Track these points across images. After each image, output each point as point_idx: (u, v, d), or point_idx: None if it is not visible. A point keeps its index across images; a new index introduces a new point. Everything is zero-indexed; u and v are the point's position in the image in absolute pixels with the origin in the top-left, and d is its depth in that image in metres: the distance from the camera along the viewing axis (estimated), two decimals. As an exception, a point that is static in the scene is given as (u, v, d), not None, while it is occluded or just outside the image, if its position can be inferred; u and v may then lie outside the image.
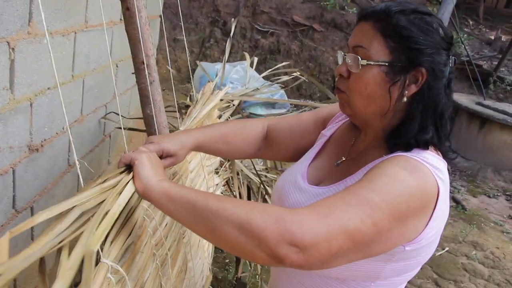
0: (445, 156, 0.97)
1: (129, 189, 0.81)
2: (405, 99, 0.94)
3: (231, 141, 1.23)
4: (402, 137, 0.95)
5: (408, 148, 0.93)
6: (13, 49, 1.28)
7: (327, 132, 1.20)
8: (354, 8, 8.39)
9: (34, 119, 1.48)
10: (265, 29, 7.93)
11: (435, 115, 0.95)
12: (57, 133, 1.69)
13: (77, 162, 0.75)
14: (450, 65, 0.96)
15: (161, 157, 1.04)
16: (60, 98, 0.88)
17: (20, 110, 1.39)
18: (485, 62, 7.96)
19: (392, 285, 0.99)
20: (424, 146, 0.93)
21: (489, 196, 5.07)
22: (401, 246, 0.89)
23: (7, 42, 1.24)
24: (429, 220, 0.88)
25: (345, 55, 0.98)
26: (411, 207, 0.84)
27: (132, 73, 1.09)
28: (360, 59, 0.94)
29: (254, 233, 0.73)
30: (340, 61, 1.02)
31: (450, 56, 0.96)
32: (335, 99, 2.54)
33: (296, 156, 1.27)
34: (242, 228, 0.74)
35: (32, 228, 1.57)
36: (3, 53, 1.23)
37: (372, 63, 0.93)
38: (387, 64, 0.93)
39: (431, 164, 0.89)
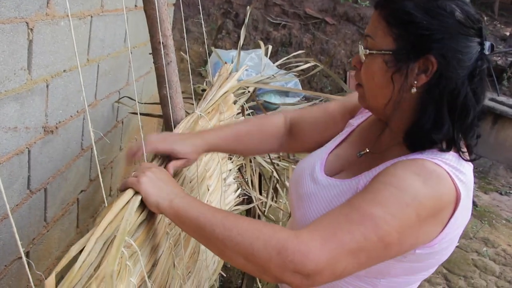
0: (465, 155, 0.89)
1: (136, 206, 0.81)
2: (414, 89, 0.88)
3: (247, 141, 1.21)
4: (417, 133, 0.89)
5: (424, 146, 0.88)
6: (31, 29, 1.28)
7: (354, 122, 1.16)
8: (367, 2, 8.32)
9: (49, 100, 1.49)
10: (277, 21, 7.89)
11: (455, 108, 0.86)
12: (71, 116, 1.70)
13: (93, 145, 0.75)
14: (484, 51, 0.87)
15: (171, 158, 1.04)
16: (80, 79, 0.88)
17: (36, 91, 1.39)
18: (499, 58, 7.87)
19: (407, 282, 0.96)
20: (447, 146, 0.87)
21: (501, 193, 5.03)
22: (412, 250, 0.86)
23: (26, 23, 1.25)
24: (446, 225, 0.85)
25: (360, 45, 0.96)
26: (422, 215, 0.80)
27: (150, 54, 1.09)
28: (362, 48, 0.93)
29: (259, 263, 0.77)
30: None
31: (483, 42, 0.87)
32: (349, 92, 2.53)
33: (318, 146, 1.23)
34: (247, 258, 0.78)
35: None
36: (22, 33, 1.24)
37: (374, 52, 0.91)
38: (390, 52, 0.89)
39: (452, 166, 0.85)
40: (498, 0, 9.39)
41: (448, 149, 0.87)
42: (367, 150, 1.04)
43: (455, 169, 0.85)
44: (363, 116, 1.15)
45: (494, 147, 5.48)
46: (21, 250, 0.47)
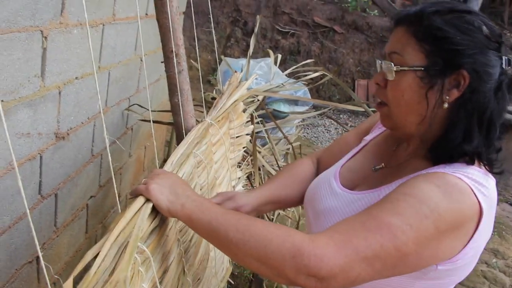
0: (489, 169, 0.90)
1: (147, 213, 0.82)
2: (446, 105, 0.88)
3: (287, 195, 1.22)
4: (445, 147, 0.88)
5: (451, 159, 0.88)
6: (45, 38, 1.31)
7: (368, 137, 1.16)
8: (376, 11, 8.33)
9: (61, 107, 1.51)
10: (285, 30, 7.93)
11: (482, 122, 0.87)
12: (82, 123, 1.72)
13: (107, 145, 0.76)
14: (503, 66, 0.88)
15: None
16: (96, 86, 0.90)
17: (49, 98, 1.42)
18: (509, 67, 7.83)
19: None
20: (470, 160, 0.87)
21: (511, 204, 4.98)
22: (434, 265, 0.85)
23: (41, 31, 1.27)
24: (469, 241, 0.84)
25: (381, 63, 0.94)
26: (442, 228, 0.79)
27: (162, 62, 1.11)
28: (393, 65, 0.90)
29: (273, 266, 0.77)
30: (378, 70, 0.97)
31: (502, 57, 0.88)
32: (358, 100, 2.53)
33: None
34: (261, 261, 0.78)
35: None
36: (36, 41, 1.26)
37: (406, 68, 0.89)
38: (422, 68, 0.88)
39: (474, 180, 0.84)
40: (508, 9, 9.37)
41: (471, 163, 0.87)
42: (383, 165, 1.03)
43: (477, 183, 0.84)
44: (376, 132, 1.16)
45: (504, 158, 5.43)
46: (38, 247, 0.48)
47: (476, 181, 0.84)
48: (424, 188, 0.82)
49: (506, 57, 0.89)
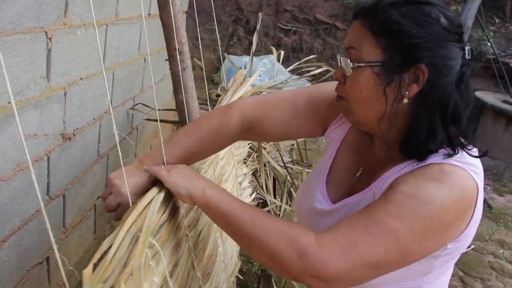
0: (471, 154, 0.88)
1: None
2: (405, 100, 0.85)
3: (206, 150, 1.10)
4: (411, 144, 0.87)
5: (421, 157, 0.86)
6: (50, 39, 1.32)
7: (335, 136, 1.10)
8: (378, 6, 8.30)
9: (67, 108, 1.53)
10: (287, 27, 7.92)
11: (446, 116, 0.85)
12: (88, 123, 1.73)
13: (117, 141, 0.77)
14: (466, 57, 0.86)
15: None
16: (105, 84, 0.90)
17: (55, 99, 1.43)
18: (511, 60, 7.80)
19: (446, 269, 0.96)
20: (452, 149, 0.85)
21: (516, 195, 4.97)
22: (443, 246, 0.87)
23: (45, 32, 1.28)
24: (471, 218, 0.86)
25: (340, 58, 0.92)
26: (447, 221, 0.81)
27: (166, 60, 1.12)
28: (349, 61, 0.88)
29: (281, 263, 0.80)
30: (339, 65, 0.94)
31: (465, 47, 0.86)
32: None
33: (283, 139, 1.24)
34: (271, 256, 0.81)
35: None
36: (41, 42, 1.27)
37: (362, 64, 0.86)
38: (378, 64, 0.85)
39: (465, 162, 0.84)
40: (510, 2, 9.32)
41: (454, 152, 0.85)
42: (361, 170, 1.02)
43: (469, 164, 0.84)
44: (342, 127, 1.10)
45: (508, 149, 5.41)
46: (53, 240, 0.49)
47: (468, 163, 0.85)
48: (427, 188, 0.81)
49: (469, 48, 0.86)
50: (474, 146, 0.89)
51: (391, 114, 0.88)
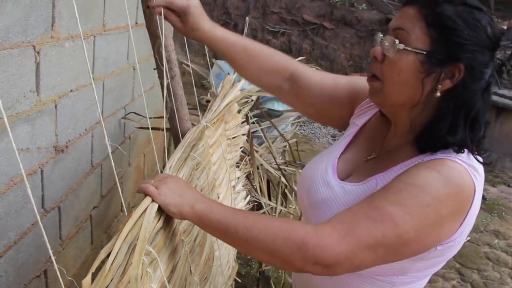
0: (478, 159, 0.91)
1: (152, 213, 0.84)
2: (438, 93, 0.89)
3: (253, 60, 1.15)
4: (430, 136, 0.90)
5: (435, 148, 0.89)
6: (38, 52, 1.32)
7: (358, 121, 1.14)
8: (364, 4, 8.36)
9: (58, 120, 1.53)
10: (275, 29, 7.95)
11: (468, 118, 0.88)
12: (80, 135, 1.74)
13: (110, 152, 0.78)
14: (494, 69, 0.90)
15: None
16: (94, 94, 0.91)
17: (45, 112, 1.43)
18: (498, 51, 7.86)
19: (424, 275, 0.99)
20: (459, 149, 0.88)
21: (508, 185, 5.02)
22: (434, 247, 0.88)
23: (33, 46, 1.29)
24: (464, 220, 0.87)
25: (383, 37, 0.93)
26: (443, 214, 0.83)
27: (154, 69, 1.13)
28: (397, 42, 0.89)
29: (282, 258, 0.83)
30: (378, 43, 0.96)
31: (494, 59, 0.90)
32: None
33: (315, 116, 1.23)
34: (270, 253, 0.84)
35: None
36: (29, 56, 1.28)
37: (409, 48, 0.88)
38: (425, 53, 0.88)
39: (467, 163, 0.87)
40: (493, -6, 9.39)
41: (461, 151, 0.89)
42: (374, 155, 1.04)
43: (470, 166, 0.87)
44: (365, 114, 1.14)
45: (499, 140, 5.47)
46: (51, 252, 0.50)
47: (469, 164, 0.87)
48: (426, 176, 0.84)
49: (496, 61, 0.91)
50: (481, 154, 0.92)
51: (424, 103, 0.91)
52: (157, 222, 0.85)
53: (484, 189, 4.80)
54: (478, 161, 0.90)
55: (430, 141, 0.90)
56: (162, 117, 1.32)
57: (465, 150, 0.89)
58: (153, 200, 0.85)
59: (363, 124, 1.13)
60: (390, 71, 0.92)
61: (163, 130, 1.61)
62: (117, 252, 0.68)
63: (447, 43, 0.87)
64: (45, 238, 0.49)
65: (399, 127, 1.00)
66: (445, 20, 0.87)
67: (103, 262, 0.69)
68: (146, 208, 0.82)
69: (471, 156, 0.90)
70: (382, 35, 0.94)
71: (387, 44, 0.91)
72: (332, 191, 1.02)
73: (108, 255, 0.68)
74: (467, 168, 0.86)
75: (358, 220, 0.83)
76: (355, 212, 0.85)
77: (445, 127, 0.89)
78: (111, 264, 0.66)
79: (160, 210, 0.87)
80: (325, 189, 1.04)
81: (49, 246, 0.49)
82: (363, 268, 0.86)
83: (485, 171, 0.94)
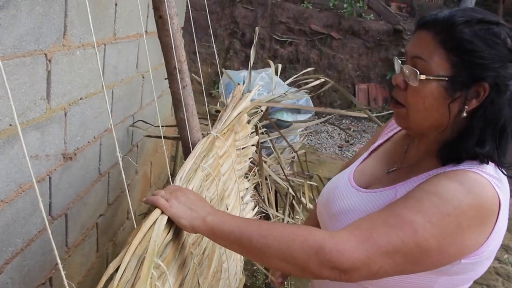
0: (503, 171, 0.91)
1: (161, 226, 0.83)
2: (464, 114, 0.88)
3: None
4: (457, 151, 0.90)
5: (460, 160, 0.89)
6: (49, 60, 1.33)
7: (375, 144, 1.17)
8: (371, 15, 8.38)
9: (68, 128, 1.53)
10: (283, 39, 7.98)
11: (496, 129, 0.88)
12: (88, 142, 1.74)
13: (120, 160, 0.77)
14: None
15: None
16: (105, 102, 0.91)
17: (55, 119, 1.43)
18: None
19: None
20: (483, 160, 0.88)
21: (517, 199, 4.96)
22: (458, 260, 0.86)
23: (45, 54, 1.29)
24: (491, 233, 0.85)
25: (402, 65, 0.93)
26: (464, 224, 0.81)
27: (165, 79, 1.13)
28: (418, 73, 0.89)
29: (298, 264, 0.81)
30: (397, 70, 0.97)
31: None
32: (360, 106, 2.54)
33: None
34: (287, 260, 0.82)
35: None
36: (41, 64, 1.28)
37: (431, 77, 0.88)
38: (447, 79, 0.87)
39: (491, 175, 0.86)
40: (502, 5, 9.40)
41: (486, 162, 0.88)
42: (396, 167, 1.04)
43: (494, 178, 0.86)
44: (383, 137, 1.16)
45: None
46: (58, 260, 0.49)
47: (493, 176, 0.86)
48: (447, 186, 0.84)
49: None
50: (506, 166, 0.91)
51: (452, 124, 0.91)
52: (167, 235, 0.84)
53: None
54: (503, 173, 0.89)
55: (456, 154, 0.90)
56: (172, 126, 1.32)
57: (490, 162, 0.88)
58: (162, 212, 0.84)
59: (380, 144, 1.15)
60: (414, 99, 0.92)
61: (173, 139, 1.60)
62: (126, 266, 0.67)
63: (469, 66, 0.86)
64: (53, 245, 0.48)
65: (423, 143, 0.99)
66: (463, 44, 0.86)
67: (112, 275, 0.68)
68: (156, 220, 0.81)
69: (496, 168, 0.89)
70: (401, 61, 0.94)
71: (407, 72, 0.91)
72: (354, 200, 1.02)
73: (117, 269, 0.67)
74: (490, 180, 0.85)
75: (376, 226, 0.81)
76: (373, 219, 0.84)
77: (473, 142, 0.88)
78: (120, 279, 0.65)
79: (170, 222, 0.86)
80: (346, 198, 1.04)
81: (57, 254, 0.48)
82: (382, 276, 0.83)
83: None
